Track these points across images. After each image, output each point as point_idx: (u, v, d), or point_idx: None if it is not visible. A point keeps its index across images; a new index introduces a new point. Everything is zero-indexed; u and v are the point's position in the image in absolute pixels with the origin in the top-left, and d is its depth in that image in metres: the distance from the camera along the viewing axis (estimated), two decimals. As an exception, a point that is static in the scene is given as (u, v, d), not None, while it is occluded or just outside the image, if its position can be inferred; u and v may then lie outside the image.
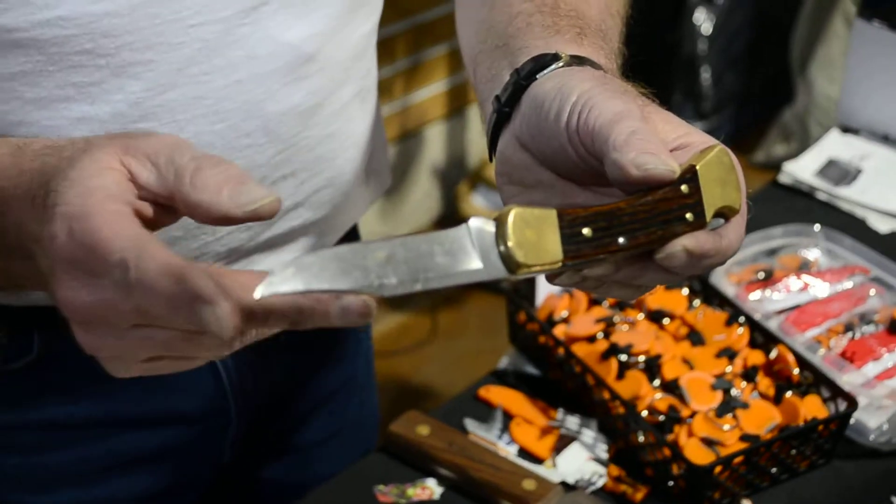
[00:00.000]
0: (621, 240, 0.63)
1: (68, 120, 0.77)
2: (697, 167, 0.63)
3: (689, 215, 0.63)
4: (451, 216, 2.89)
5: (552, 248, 0.62)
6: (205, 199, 0.57)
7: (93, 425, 0.93)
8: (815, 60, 2.76)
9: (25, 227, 0.63)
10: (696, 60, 3.07)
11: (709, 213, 0.64)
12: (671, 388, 1.01)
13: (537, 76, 0.71)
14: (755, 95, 3.25)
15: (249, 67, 0.83)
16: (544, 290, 1.11)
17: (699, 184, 0.63)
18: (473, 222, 0.61)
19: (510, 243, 0.61)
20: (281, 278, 0.57)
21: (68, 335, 0.85)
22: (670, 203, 0.63)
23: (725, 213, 0.65)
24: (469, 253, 0.61)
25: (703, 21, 3.03)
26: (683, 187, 0.63)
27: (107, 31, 0.76)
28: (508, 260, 0.61)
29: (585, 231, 0.62)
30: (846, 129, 1.45)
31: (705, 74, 3.10)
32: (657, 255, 0.64)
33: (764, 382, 1.03)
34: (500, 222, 0.61)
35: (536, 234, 0.62)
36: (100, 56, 0.76)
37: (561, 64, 0.71)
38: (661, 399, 1.00)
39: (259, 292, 0.57)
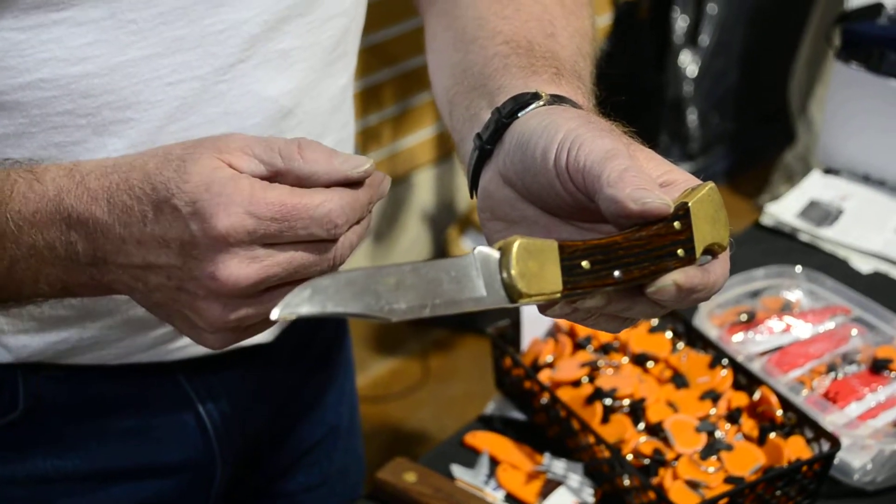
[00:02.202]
0: (617, 273, 0.64)
1: None
2: (690, 204, 0.64)
3: (680, 251, 0.65)
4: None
5: (552, 278, 0.63)
6: (320, 168, 0.66)
7: (80, 479, 0.93)
8: (815, 101, 2.78)
9: (131, 236, 0.67)
10: (682, 102, 3.08)
11: (699, 250, 0.65)
12: (656, 431, 1.00)
13: (519, 114, 0.72)
14: (745, 136, 3.26)
15: (229, 123, 0.83)
16: (529, 334, 1.11)
17: (691, 221, 0.65)
18: (480, 250, 0.62)
19: (513, 272, 0.62)
20: (299, 299, 0.60)
21: (52, 389, 0.86)
22: (663, 239, 0.64)
23: (714, 250, 0.66)
24: (474, 281, 0.63)
25: (689, 63, 3.05)
26: (676, 224, 0.64)
27: (86, 91, 0.76)
28: (511, 289, 0.62)
29: (584, 264, 0.63)
30: (827, 171, 1.45)
31: (691, 116, 3.10)
32: (648, 289, 0.64)
33: (748, 424, 1.02)
34: (505, 252, 0.62)
35: (538, 264, 0.63)
36: (80, 116, 0.77)
37: (542, 102, 0.72)
38: (645, 442, 0.99)
39: (276, 313, 0.60)
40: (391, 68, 2.61)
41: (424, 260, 0.62)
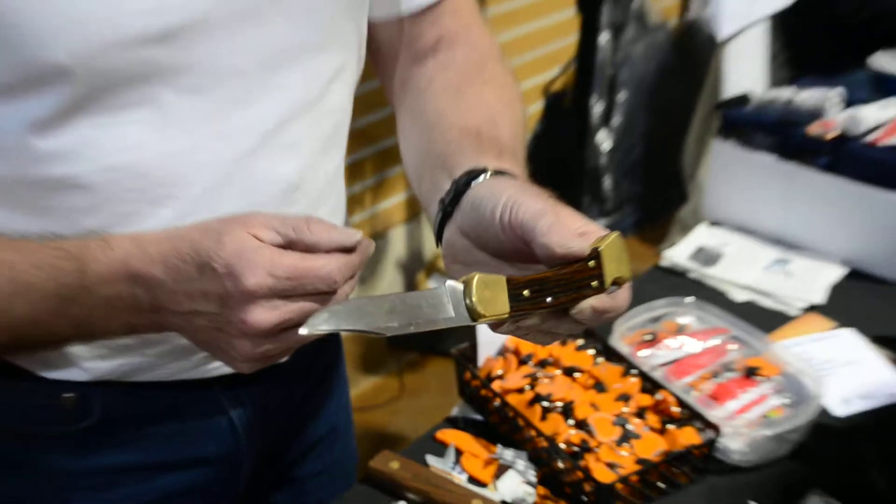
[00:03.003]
0: (549, 299, 0.66)
1: None
2: (600, 249, 0.66)
3: (594, 283, 0.67)
4: (411, 299, 2.91)
5: (502, 303, 0.65)
6: (323, 239, 0.67)
7: (140, 469, 0.92)
8: (702, 169, 2.76)
9: (181, 290, 0.69)
10: (599, 171, 3.06)
11: (608, 282, 0.67)
12: (582, 425, 1.01)
13: (472, 184, 0.74)
14: (649, 197, 3.23)
15: (248, 196, 0.82)
16: (484, 353, 1.11)
17: (602, 261, 0.66)
18: (449, 283, 0.65)
19: (474, 299, 0.64)
20: (320, 320, 0.63)
21: (118, 401, 0.89)
22: (582, 274, 0.66)
23: (619, 282, 0.67)
24: (445, 306, 0.65)
25: (604, 140, 3.03)
26: (591, 263, 0.66)
27: (144, 173, 0.76)
28: (472, 311, 0.64)
29: (525, 292, 0.65)
30: (712, 223, 1.47)
31: (607, 182, 3.08)
32: (572, 311, 0.67)
33: (652, 418, 1.03)
34: (467, 284, 0.64)
35: (492, 293, 0.65)
36: (138, 192, 0.77)
37: (488, 175, 0.74)
38: (574, 434, 0.99)
39: (304, 330, 0.64)
40: (371, 147, 2.61)
41: (408, 292, 0.66)
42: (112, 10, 0.69)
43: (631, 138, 3.12)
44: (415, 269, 2.94)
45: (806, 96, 1.39)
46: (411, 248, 2.94)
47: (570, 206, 0.70)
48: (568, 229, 0.66)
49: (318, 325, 0.64)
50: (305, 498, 1.06)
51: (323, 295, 0.67)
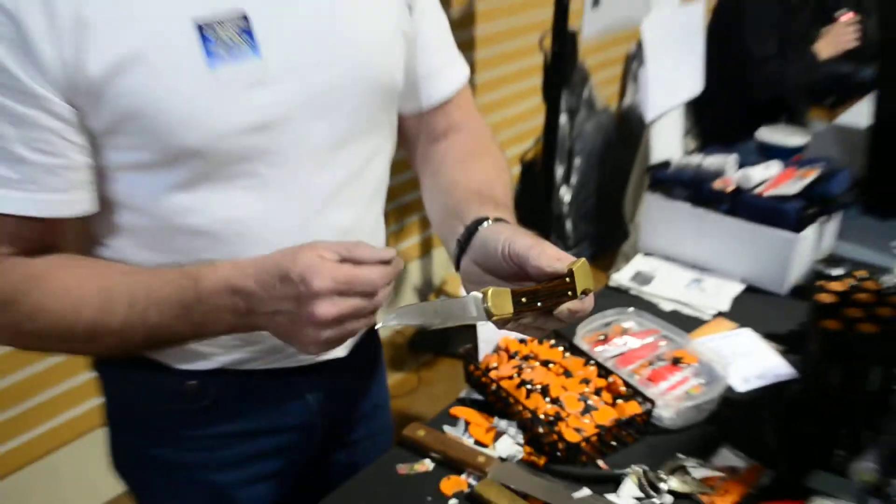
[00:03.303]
0: (539, 304, 0.66)
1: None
2: (574, 269, 0.67)
3: (570, 293, 0.67)
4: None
5: (507, 306, 0.65)
6: (367, 256, 0.67)
7: (243, 435, 0.92)
8: (639, 213, 2.67)
9: (268, 296, 0.67)
10: (562, 217, 3.06)
11: (579, 291, 0.67)
12: (555, 401, 1.00)
13: (479, 228, 0.74)
14: (600, 235, 3.22)
15: (319, 237, 0.77)
16: (483, 352, 1.10)
17: (574, 277, 0.67)
18: (472, 294, 0.65)
19: (489, 304, 0.64)
20: (389, 318, 0.66)
21: (228, 384, 0.88)
22: (561, 286, 0.67)
23: (586, 292, 0.68)
24: (470, 309, 0.65)
25: (565, 194, 3.05)
26: (567, 279, 0.67)
27: (247, 224, 0.76)
28: (488, 312, 0.64)
29: (523, 299, 0.65)
30: (646, 254, 1.46)
31: (568, 225, 3.09)
32: (555, 312, 0.67)
33: (606, 396, 1.02)
34: (484, 294, 0.64)
35: (500, 300, 0.65)
36: (242, 236, 0.76)
37: (490, 222, 0.75)
38: (550, 408, 0.99)
39: (379, 325, 0.67)
40: (394, 202, 2.64)
41: (446, 299, 0.67)
42: (227, 110, 0.71)
43: (585, 192, 3.13)
44: (426, 292, 2.95)
45: (711, 161, 1.40)
46: (424, 277, 2.94)
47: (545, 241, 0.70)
48: (550, 256, 0.67)
49: (388, 322, 0.66)
50: (357, 456, 1.06)
51: (368, 295, 0.66)
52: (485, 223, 0.75)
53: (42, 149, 0.67)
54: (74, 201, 0.71)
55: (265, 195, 0.76)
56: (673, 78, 1.74)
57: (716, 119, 2.52)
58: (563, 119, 2.94)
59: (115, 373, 0.90)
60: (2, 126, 0.65)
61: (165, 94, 0.67)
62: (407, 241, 2.81)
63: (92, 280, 0.71)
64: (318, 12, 0.74)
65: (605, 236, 3.16)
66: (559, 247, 0.69)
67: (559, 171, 3.01)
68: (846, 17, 2.50)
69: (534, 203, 2.88)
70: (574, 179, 3.07)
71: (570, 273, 0.67)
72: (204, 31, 0.68)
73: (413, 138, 0.95)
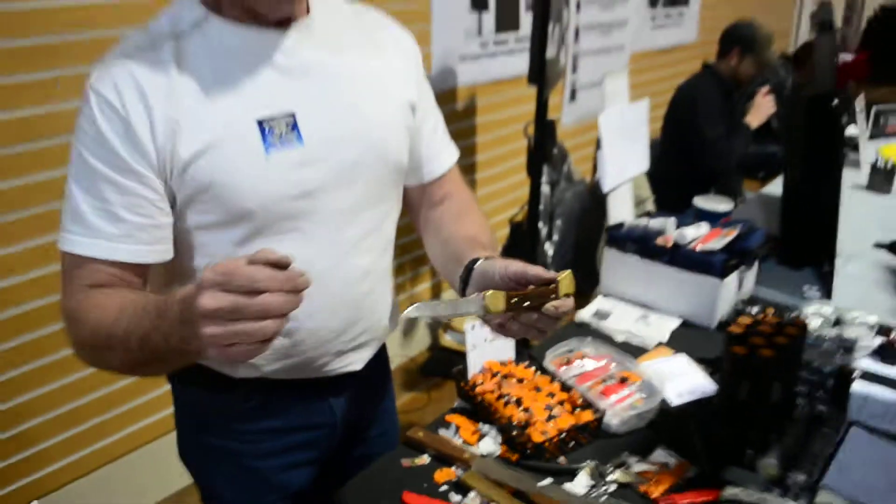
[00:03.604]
0: (527, 303, 0.67)
1: None
2: (559, 279, 0.69)
3: (554, 295, 0.68)
4: (434, 345, 2.81)
5: (501, 304, 0.65)
6: (258, 257, 0.54)
7: (279, 430, 0.93)
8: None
9: (188, 302, 0.57)
10: (546, 267, 2.87)
11: (561, 294, 0.68)
12: (527, 410, 1.00)
13: (474, 265, 0.76)
14: (577, 282, 3.14)
15: (343, 277, 0.82)
16: (471, 372, 1.08)
17: (559, 283, 0.68)
18: (476, 294, 0.65)
19: (487, 301, 0.65)
20: (410, 310, 0.63)
21: (267, 389, 0.88)
22: (549, 291, 0.68)
23: (567, 295, 0.69)
24: (473, 305, 0.65)
25: (549, 249, 3.01)
26: (552, 286, 0.68)
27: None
28: (486, 308, 0.64)
29: (514, 300, 0.66)
30: (605, 295, 1.42)
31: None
32: (543, 309, 0.68)
33: (567, 406, 1.02)
34: (485, 294, 0.65)
35: (496, 299, 0.65)
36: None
37: (482, 260, 0.76)
38: (523, 416, 0.99)
39: (402, 317, 0.65)
40: (408, 255, 2.65)
41: (456, 298, 0.67)
42: (277, 184, 0.74)
43: (565, 247, 3.09)
44: (436, 327, 2.92)
45: (655, 222, 1.40)
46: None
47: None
48: (540, 272, 0.69)
49: (409, 314, 0.63)
50: (371, 451, 1.05)
51: (249, 294, 0.53)
52: (479, 261, 0.76)
53: (138, 212, 0.71)
54: (157, 252, 0.74)
55: (307, 245, 0.78)
56: (623, 159, 1.77)
57: (668, 190, 2.59)
58: (546, 189, 2.94)
59: (185, 379, 0.91)
60: (109, 194, 0.70)
61: (233, 171, 0.71)
62: (421, 286, 2.80)
63: (116, 300, 0.69)
64: (346, 110, 0.78)
65: (581, 283, 3.07)
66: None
67: (543, 231, 3.01)
68: (764, 89, 2.60)
69: (521, 257, 2.88)
70: (556, 237, 3.08)
71: (556, 281, 0.68)
72: (263, 127, 0.72)
73: (416, 205, 0.97)
